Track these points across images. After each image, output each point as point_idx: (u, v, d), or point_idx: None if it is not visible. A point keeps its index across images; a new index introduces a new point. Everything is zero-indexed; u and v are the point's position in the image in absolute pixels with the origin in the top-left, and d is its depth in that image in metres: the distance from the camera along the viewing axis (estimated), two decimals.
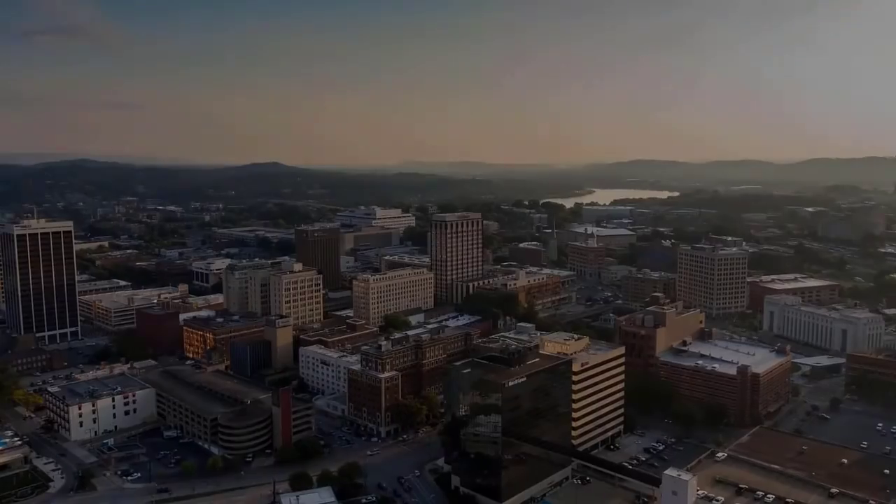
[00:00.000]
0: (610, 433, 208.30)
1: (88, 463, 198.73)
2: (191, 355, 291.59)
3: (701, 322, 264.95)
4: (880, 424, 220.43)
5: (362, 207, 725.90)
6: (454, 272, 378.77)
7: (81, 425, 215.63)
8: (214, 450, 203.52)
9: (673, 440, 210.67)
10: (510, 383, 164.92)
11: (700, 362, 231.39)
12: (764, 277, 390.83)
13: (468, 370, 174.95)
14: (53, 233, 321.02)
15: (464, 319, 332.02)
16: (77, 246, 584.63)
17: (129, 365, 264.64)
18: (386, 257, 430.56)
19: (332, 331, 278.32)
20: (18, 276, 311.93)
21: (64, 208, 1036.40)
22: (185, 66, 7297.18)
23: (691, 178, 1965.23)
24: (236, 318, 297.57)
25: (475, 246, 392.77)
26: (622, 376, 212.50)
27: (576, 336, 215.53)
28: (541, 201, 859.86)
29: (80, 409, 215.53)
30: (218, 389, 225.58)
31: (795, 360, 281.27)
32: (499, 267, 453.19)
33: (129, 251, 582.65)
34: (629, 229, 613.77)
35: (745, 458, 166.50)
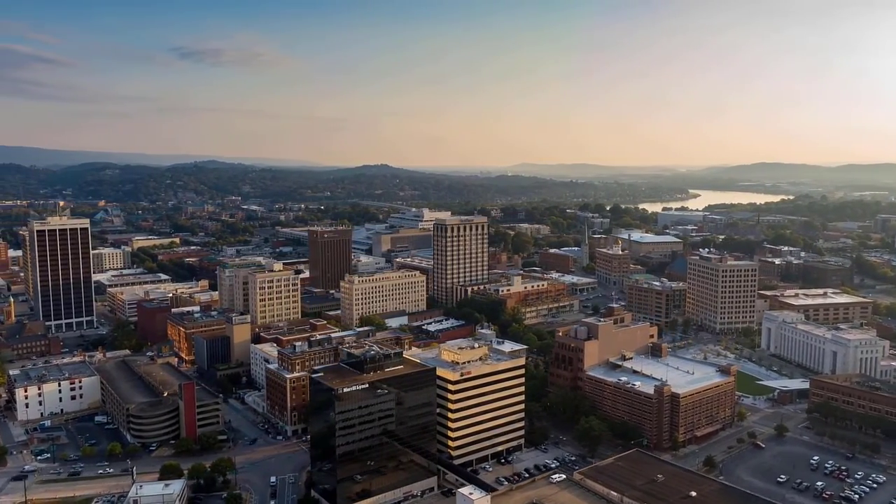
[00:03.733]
0: (504, 446, 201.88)
1: (17, 441, 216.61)
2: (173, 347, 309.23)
3: (652, 336, 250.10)
4: (815, 458, 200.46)
5: (413, 209, 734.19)
6: (454, 276, 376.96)
7: (27, 406, 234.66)
8: (128, 437, 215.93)
9: (573, 458, 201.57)
10: (345, 389, 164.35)
11: (624, 378, 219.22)
12: (787, 292, 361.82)
13: (320, 374, 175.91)
14: (71, 229, 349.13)
15: (449, 323, 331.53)
16: (149, 241, 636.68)
17: (102, 354, 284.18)
18: (398, 259, 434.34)
19: (293, 329, 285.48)
20: (38, 269, 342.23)
21: (174, 206, 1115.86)
22: (318, 80, 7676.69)
23: (818, 182, 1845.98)
24: (214, 313, 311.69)
25: (479, 250, 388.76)
26: (521, 388, 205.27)
27: (477, 344, 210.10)
28: (608, 205, 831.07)
29: (25, 391, 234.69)
30: (151, 380, 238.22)
31: (765, 383, 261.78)
32: (522, 271, 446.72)
33: (193, 247, 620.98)
34: (678, 236, 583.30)
35: (583, 483, 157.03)
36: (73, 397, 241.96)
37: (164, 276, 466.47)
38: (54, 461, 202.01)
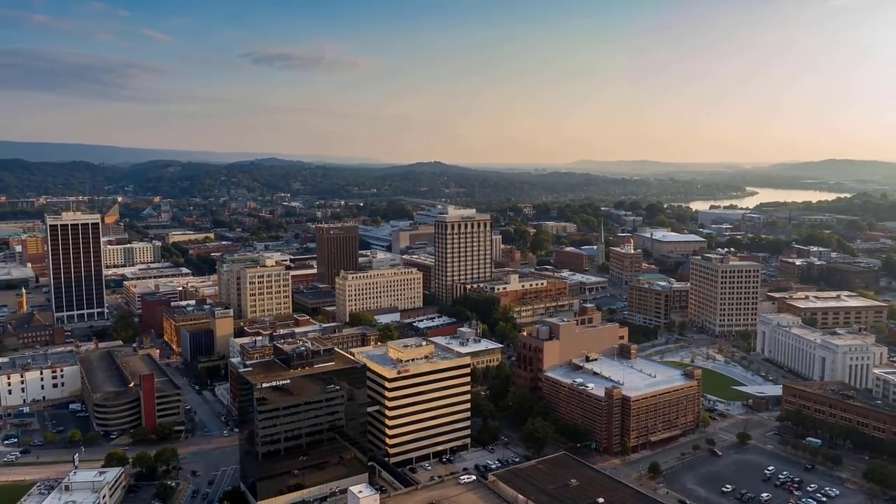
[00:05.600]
0: (447, 445, 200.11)
1: None
2: (165, 339, 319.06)
3: (622, 337, 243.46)
4: (770, 468, 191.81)
5: (439, 206, 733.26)
6: (454, 273, 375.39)
7: (10, 393, 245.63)
8: (94, 425, 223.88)
9: (517, 459, 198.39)
10: (265, 384, 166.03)
11: (579, 380, 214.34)
12: (797, 294, 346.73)
13: (248, 369, 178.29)
14: (82, 224, 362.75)
15: (441, 320, 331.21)
16: (185, 236, 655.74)
17: (95, 344, 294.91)
18: (404, 256, 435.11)
19: (275, 324, 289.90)
20: (50, 262, 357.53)
21: (223, 202, 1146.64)
22: (384, 80, 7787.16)
23: (888, 180, 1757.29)
24: (207, 307, 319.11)
25: (482, 248, 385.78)
26: (466, 388, 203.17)
27: (424, 342, 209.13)
28: (645, 203, 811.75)
29: (8, 378, 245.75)
30: (125, 371, 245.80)
31: (741, 388, 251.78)
32: (533, 270, 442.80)
33: (225, 242, 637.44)
34: (710, 235, 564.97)
35: (493, 486, 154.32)
36: (55, 385, 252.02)
37: (185, 270, 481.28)
38: (19, 446, 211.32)
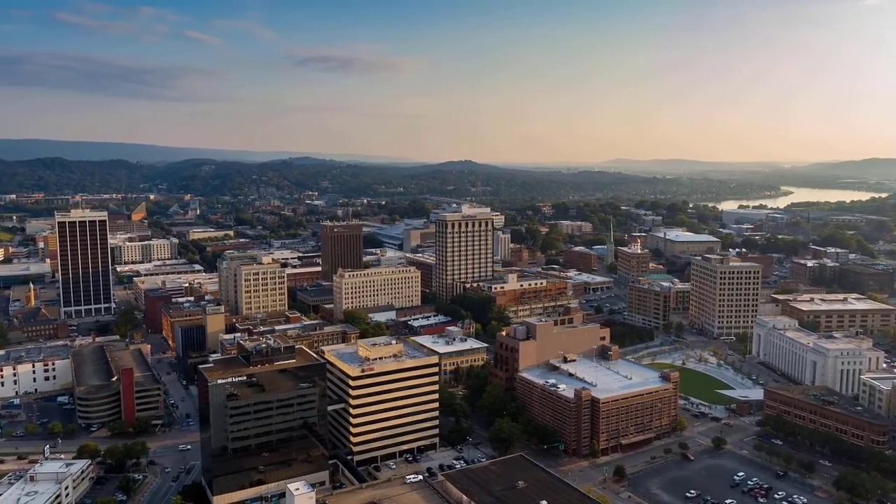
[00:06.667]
0: (415, 444, 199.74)
1: None
2: (163, 334, 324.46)
3: (603, 338, 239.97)
4: (741, 474, 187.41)
5: (454, 205, 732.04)
6: (454, 272, 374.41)
7: (3, 385, 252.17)
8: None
9: (483, 458, 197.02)
10: (220, 381, 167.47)
11: (552, 381, 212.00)
12: (802, 296, 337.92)
13: (210, 365, 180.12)
14: (90, 221, 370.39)
15: (436, 319, 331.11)
16: (205, 233, 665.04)
17: (93, 338, 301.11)
18: (408, 254, 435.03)
19: (266, 321, 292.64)
20: (59, 258, 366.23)
21: (252, 200, 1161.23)
22: (416, 80, 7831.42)
23: None
24: (203, 304, 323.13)
25: (484, 246, 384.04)
26: (434, 387, 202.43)
27: (395, 341, 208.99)
28: (669, 203, 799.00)
29: (0, 371, 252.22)
30: (114, 365, 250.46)
31: (725, 392, 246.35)
32: (540, 269, 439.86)
33: (243, 240, 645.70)
34: (730, 234, 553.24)
35: (440, 486, 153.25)
36: (47, 378, 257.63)
37: (198, 267, 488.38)
38: (2, 436, 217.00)
